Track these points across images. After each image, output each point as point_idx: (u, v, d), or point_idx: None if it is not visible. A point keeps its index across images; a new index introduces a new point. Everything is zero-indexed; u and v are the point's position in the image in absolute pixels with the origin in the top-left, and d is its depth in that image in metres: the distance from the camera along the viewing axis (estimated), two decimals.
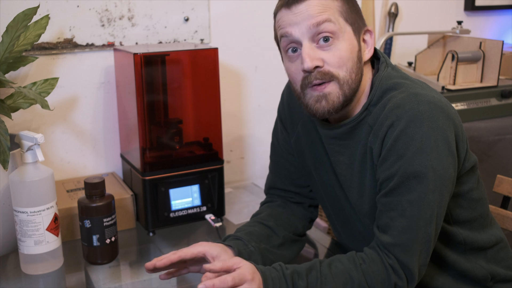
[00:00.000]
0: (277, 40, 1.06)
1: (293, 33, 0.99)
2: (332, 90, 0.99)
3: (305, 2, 0.98)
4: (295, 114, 1.20)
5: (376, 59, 1.09)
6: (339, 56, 0.98)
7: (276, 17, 1.03)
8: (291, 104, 1.20)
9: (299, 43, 1.00)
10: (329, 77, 0.99)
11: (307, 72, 0.99)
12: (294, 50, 1.01)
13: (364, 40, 1.05)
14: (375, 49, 1.10)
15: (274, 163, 1.28)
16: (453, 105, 1.66)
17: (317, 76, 0.99)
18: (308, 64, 0.97)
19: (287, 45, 1.02)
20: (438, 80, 1.88)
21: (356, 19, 1.02)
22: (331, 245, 1.36)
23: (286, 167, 1.25)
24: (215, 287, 0.89)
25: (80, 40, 1.56)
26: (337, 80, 0.99)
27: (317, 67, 0.98)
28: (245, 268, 0.93)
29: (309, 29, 0.98)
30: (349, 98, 1.01)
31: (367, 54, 1.05)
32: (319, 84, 0.99)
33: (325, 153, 1.13)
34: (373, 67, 1.10)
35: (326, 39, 0.98)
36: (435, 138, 0.94)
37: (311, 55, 0.98)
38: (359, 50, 1.02)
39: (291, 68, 1.03)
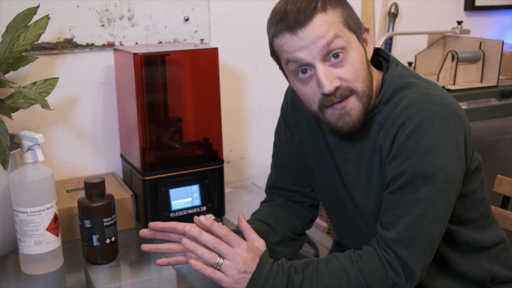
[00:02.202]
0: (278, 60, 1.04)
1: (304, 58, 0.96)
2: (353, 105, 0.98)
3: (310, 24, 0.94)
4: (299, 113, 1.19)
5: (383, 58, 1.09)
6: (353, 70, 0.97)
7: (276, 39, 0.99)
8: (295, 104, 1.20)
9: (311, 65, 0.97)
10: (348, 92, 0.97)
11: (327, 95, 0.97)
12: (305, 72, 0.98)
13: (364, 40, 1.03)
14: (380, 49, 1.10)
15: (276, 163, 1.28)
16: None
17: (337, 95, 0.97)
18: (329, 87, 0.95)
19: (297, 69, 0.98)
20: (438, 80, 1.88)
21: (356, 24, 1.00)
22: (333, 246, 1.36)
23: (288, 167, 1.25)
24: (212, 225, 0.96)
25: (80, 40, 1.56)
26: (356, 94, 0.98)
27: (336, 87, 0.96)
28: (248, 242, 0.97)
29: (320, 51, 0.94)
30: (368, 107, 1.01)
31: (369, 53, 1.04)
32: (340, 102, 0.98)
33: (329, 152, 1.13)
34: (379, 66, 1.10)
35: (337, 56, 0.95)
36: (445, 139, 0.95)
37: (328, 77, 0.95)
38: (366, 54, 1.01)
39: (305, 90, 1.00)
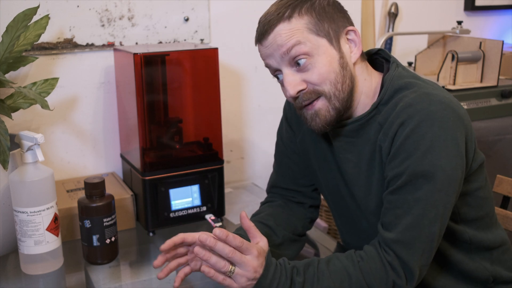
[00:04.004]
0: None
1: (271, 64, 1.03)
2: (321, 106, 1.02)
3: (272, 33, 1.00)
4: None
5: (385, 60, 1.10)
6: (318, 73, 1.00)
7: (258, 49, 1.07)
8: None
9: (280, 71, 1.03)
10: (315, 95, 1.02)
11: (294, 98, 1.03)
12: (280, 77, 1.05)
13: (348, 40, 1.04)
14: (382, 50, 1.10)
15: (278, 162, 1.28)
16: None
17: (303, 98, 1.02)
18: (290, 92, 1.01)
19: (273, 74, 1.06)
20: (438, 80, 1.89)
21: (330, 27, 1.01)
22: (336, 249, 1.36)
23: (290, 166, 1.25)
24: (227, 238, 0.94)
25: (80, 40, 1.56)
26: (324, 95, 1.01)
27: (300, 91, 1.02)
28: (255, 246, 0.97)
29: (282, 58, 1.00)
30: (341, 109, 1.03)
31: (355, 54, 1.04)
32: (310, 104, 1.03)
33: (330, 151, 1.14)
34: (380, 67, 1.10)
35: (301, 61, 1.00)
36: (444, 138, 0.95)
37: (291, 82, 1.01)
38: (341, 57, 1.02)
39: (284, 92, 1.07)
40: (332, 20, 1.02)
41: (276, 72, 1.05)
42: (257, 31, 1.04)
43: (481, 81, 1.91)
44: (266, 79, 1.83)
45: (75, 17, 1.54)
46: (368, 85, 1.06)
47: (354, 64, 1.04)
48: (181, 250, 1.08)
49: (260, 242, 1.00)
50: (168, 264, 1.07)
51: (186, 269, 1.08)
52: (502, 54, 1.83)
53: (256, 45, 1.05)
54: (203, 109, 1.50)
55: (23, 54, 1.37)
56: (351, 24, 1.05)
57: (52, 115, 1.57)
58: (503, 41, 1.82)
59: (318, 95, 1.01)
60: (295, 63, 1.00)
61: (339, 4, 1.05)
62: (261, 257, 0.97)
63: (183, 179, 1.43)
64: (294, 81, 1.01)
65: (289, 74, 1.01)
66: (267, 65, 1.05)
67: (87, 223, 1.22)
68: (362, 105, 1.06)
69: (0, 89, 1.34)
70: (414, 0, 2.12)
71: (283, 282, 0.96)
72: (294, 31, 0.99)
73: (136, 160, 1.45)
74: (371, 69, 1.09)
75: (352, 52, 1.04)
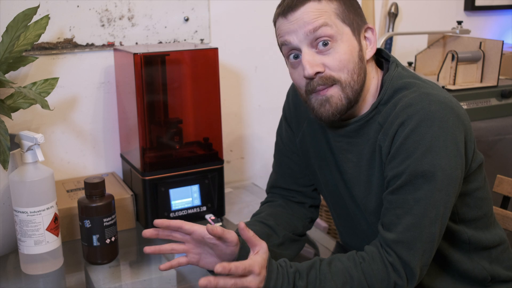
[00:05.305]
0: (280, 47, 1.07)
1: (292, 41, 1.01)
2: (334, 92, 1.00)
3: (300, 9, 0.99)
4: (300, 113, 1.20)
5: (384, 59, 1.10)
6: (339, 59, 0.99)
7: (276, 25, 1.05)
8: (297, 103, 1.21)
9: (299, 50, 1.01)
10: (331, 81, 1.00)
11: (309, 79, 1.00)
12: (296, 57, 1.03)
13: (365, 38, 1.05)
14: (382, 50, 1.11)
15: (277, 162, 1.28)
16: None
17: (319, 82, 1.00)
18: (309, 71, 0.99)
19: (288, 52, 1.03)
20: (438, 80, 1.89)
21: (354, 19, 1.02)
22: (335, 248, 1.36)
23: (290, 166, 1.25)
24: (230, 271, 0.92)
25: (80, 40, 1.56)
26: (339, 83, 1.00)
27: (318, 72, 0.99)
28: (256, 261, 0.95)
29: (306, 36, 0.99)
30: (352, 100, 1.02)
31: (370, 52, 1.05)
32: (322, 89, 1.01)
33: (330, 151, 1.14)
34: (380, 67, 1.10)
35: (324, 44, 0.99)
36: (444, 138, 0.95)
37: (311, 61, 0.99)
38: (360, 49, 1.02)
39: (294, 74, 1.05)
40: (357, 13, 1.03)
41: (291, 51, 1.02)
42: (282, 4, 1.02)
43: (481, 81, 1.91)
44: (266, 79, 1.83)
45: (75, 17, 1.54)
46: (374, 83, 1.07)
47: (367, 61, 1.05)
48: (177, 235, 1.05)
49: (260, 250, 0.98)
50: (161, 247, 1.05)
51: (182, 260, 1.05)
52: (502, 54, 1.83)
53: (276, 19, 1.03)
54: (203, 109, 1.50)
55: (23, 54, 1.37)
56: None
57: (52, 115, 1.57)
58: (503, 41, 1.82)
59: (333, 82, 1.00)
60: (316, 44, 0.99)
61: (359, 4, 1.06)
62: (263, 270, 0.95)
63: (183, 179, 1.43)
64: (314, 61, 0.99)
65: (309, 53, 1.00)
66: (284, 42, 1.02)
67: (87, 223, 1.22)
68: (366, 104, 1.06)
69: (0, 89, 1.34)
70: (414, 0, 2.12)
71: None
72: (323, 12, 0.98)
73: (136, 160, 1.45)
74: (377, 69, 1.09)
75: (367, 50, 1.05)
